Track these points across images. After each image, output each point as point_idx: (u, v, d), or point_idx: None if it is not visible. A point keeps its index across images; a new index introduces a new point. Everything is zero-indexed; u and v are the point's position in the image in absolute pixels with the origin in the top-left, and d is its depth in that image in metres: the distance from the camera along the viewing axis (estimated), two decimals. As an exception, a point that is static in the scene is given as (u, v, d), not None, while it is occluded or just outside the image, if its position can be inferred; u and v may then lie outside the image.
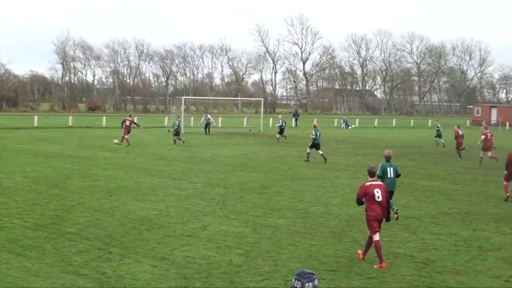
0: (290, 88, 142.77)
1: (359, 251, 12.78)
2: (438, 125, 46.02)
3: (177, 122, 41.05)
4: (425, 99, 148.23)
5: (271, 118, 71.27)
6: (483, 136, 31.85)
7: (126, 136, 38.08)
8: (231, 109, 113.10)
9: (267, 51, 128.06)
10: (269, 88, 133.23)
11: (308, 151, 31.36)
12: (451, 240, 14.37)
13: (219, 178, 23.90)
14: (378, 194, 12.22)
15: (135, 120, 42.18)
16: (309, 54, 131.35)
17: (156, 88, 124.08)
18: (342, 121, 74.49)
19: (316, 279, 5.46)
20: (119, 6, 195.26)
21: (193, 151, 35.39)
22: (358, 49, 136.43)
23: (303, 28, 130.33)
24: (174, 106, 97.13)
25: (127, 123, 38.82)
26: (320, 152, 30.62)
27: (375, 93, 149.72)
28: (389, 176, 16.65)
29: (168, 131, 54.08)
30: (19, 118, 67.62)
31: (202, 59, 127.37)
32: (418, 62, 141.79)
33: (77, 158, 29.70)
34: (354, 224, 15.78)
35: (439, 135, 44.93)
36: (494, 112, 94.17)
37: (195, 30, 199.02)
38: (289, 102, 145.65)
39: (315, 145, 31.10)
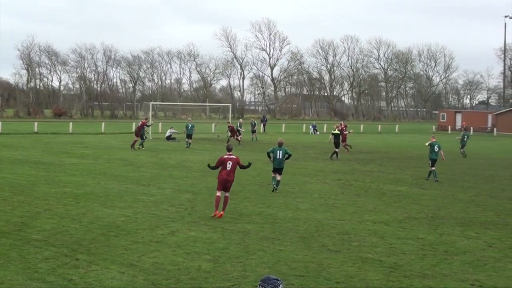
0: (258, 94, 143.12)
1: (215, 213, 16.72)
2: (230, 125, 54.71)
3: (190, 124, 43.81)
4: (392, 104, 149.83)
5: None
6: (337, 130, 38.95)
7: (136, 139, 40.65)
8: (199, 114, 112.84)
9: (235, 57, 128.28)
10: (237, 94, 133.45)
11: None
12: (418, 244, 14.52)
13: (188, 184, 23.81)
14: (229, 164, 17.04)
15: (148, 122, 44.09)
16: (277, 60, 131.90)
17: (124, 94, 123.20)
18: (310, 127, 74.85)
19: (280, 285, 5.45)
20: (85, 12, 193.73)
21: (161, 157, 35.20)
22: (325, 55, 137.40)
23: (270, 34, 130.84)
24: (141, 112, 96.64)
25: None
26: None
27: (343, 98, 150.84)
28: (277, 157, 22.06)
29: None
30: (-17, 123, 66.42)
31: (170, 64, 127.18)
32: (385, 68, 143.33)
33: (43, 165, 29.31)
34: (323, 229, 15.85)
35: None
36: (459, 117, 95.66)
37: (163, 36, 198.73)
38: (257, 107, 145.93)
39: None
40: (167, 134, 51.30)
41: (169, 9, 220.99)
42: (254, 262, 12.46)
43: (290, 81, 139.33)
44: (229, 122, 52.61)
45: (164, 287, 10.77)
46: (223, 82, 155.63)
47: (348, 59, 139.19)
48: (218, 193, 17.03)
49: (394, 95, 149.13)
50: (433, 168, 27.73)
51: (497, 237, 15.54)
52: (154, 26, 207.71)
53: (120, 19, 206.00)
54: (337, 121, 71.92)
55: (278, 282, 5.44)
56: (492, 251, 14.05)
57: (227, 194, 17.24)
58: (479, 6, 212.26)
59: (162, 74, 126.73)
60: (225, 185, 17.09)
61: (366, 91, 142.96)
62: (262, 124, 72.75)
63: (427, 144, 28.73)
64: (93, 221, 16.19)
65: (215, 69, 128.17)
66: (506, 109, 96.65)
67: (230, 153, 17.53)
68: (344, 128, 40.98)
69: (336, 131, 37.42)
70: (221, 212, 16.90)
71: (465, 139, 42.07)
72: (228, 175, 17.02)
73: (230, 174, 17.11)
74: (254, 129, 55.66)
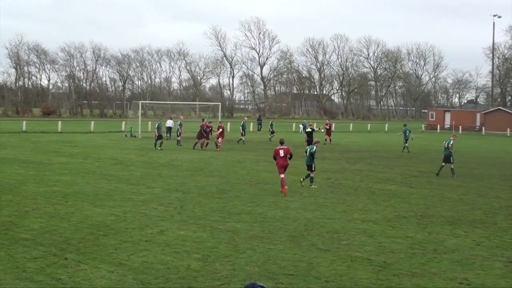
0: (248, 93, 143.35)
1: (282, 190, 21.48)
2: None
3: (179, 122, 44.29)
4: (381, 103, 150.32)
5: (228, 123, 71.25)
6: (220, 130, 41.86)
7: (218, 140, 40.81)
8: (189, 113, 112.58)
9: (225, 56, 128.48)
10: (226, 93, 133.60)
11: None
12: (407, 243, 14.55)
13: (177, 183, 23.77)
14: (281, 152, 22.01)
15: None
16: (267, 58, 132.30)
17: (113, 93, 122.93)
18: (300, 125, 74.98)
19: None
20: (74, 11, 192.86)
21: (150, 156, 35.13)
22: (315, 53, 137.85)
23: (260, 33, 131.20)
24: (131, 111, 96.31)
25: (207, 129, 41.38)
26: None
27: (333, 97, 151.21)
28: (306, 154, 24.50)
29: (125, 135, 53.68)
30: (-29, 122, 66.12)
31: (160, 63, 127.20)
32: (375, 66, 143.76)
33: (31, 164, 29.19)
34: (312, 228, 15.86)
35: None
36: (447, 116, 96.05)
37: (152, 34, 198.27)
38: (247, 106, 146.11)
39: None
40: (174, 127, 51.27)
41: (158, 8, 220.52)
42: (244, 261, 12.45)
43: (280, 80, 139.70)
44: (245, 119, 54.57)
45: (153, 286, 10.74)
46: (213, 81, 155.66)
47: (337, 58, 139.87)
48: (282, 175, 21.79)
49: (383, 94, 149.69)
50: (443, 164, 29.02)
51: (485, 236, 15.60)
52: (143, 25, 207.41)
53: (108, 17, 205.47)
54: (325, 119, 72.12)
55: None
56: (480, 250, 14.10)
57: (282, 177, 21.81)
58: (468, 5, 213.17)
59: (152, 73, 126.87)
60: (283, 168, 21.85)
61: (356, 90, 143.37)
62: (258, 124, 74.13)
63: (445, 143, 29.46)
64: (82, 220, 16.12)
65: (205, 68, 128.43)
66: (494, 108, 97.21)
67: (282, 145, 22.45)
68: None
69: (309, 129, 39.74)
70: (286, 187, 21.51)
71: (407, 134, 43.17)
72: (283, 161, 21.96)
73: (284, 159, 21.98)
74: (272, 129, 57.24)
